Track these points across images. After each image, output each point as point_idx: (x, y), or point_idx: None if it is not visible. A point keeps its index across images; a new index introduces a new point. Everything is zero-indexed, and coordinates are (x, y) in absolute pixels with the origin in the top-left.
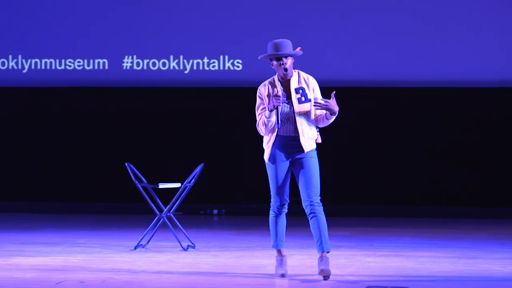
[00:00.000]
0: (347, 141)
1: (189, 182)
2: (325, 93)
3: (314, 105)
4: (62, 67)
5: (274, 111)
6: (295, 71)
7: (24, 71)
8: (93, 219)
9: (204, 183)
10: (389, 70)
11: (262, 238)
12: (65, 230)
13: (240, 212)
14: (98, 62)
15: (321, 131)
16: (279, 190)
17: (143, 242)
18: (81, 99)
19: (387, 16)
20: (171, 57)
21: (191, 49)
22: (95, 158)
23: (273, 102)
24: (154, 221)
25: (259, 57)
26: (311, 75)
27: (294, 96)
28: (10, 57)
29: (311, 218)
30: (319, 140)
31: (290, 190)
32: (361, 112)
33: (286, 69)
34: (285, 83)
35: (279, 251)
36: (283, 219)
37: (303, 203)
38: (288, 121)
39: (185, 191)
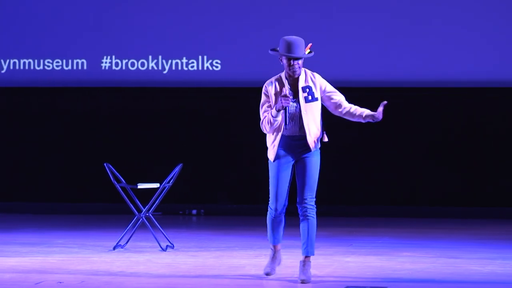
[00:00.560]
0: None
1: (168, 182)
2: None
3: (366, 117)
4: (41, 67)
5: (282, 111)
6: (302, 69)
7: (3, 71)
8: (71, 220)
9: (183, 184)
10: (376, 70)
11: (241, 238)
12: (43, 231)
13: (219, 213)
14: (77, 62)
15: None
16: (278, 193)
17: (122, 243)
18: (60, 99)
19: (381, 16)
20: (150, 57)
21: (170, 49)
22: (73, 158)
23: (281, 102)
24: (133, 222)
25: (269, 51)
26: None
27: (301, 95)
28: None
29: (302, 220)
30: (326, 139)
31: (289, 194)
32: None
33: (294, 72)
34: (293, 81)
35: (274, 247)
36: (280, 219)
37: (297, 203)
38: (293, 120)
39: (163, 191)
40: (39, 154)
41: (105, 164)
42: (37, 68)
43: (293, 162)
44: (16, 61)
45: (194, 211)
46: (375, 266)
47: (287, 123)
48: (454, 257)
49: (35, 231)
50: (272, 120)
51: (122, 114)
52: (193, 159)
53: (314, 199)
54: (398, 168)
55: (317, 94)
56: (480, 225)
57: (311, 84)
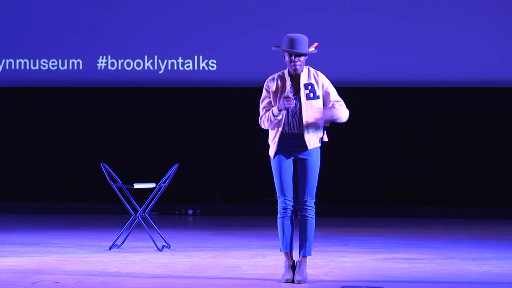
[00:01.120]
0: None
1: (164, 182)
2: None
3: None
4: (37, 67)
5: (284, 111)
6: (305, 67)
7: None
8: (68, 220)
9: (179, 184)
10: (376, 70)
11: (237, 238)
12: (40, 231)
13: (215, 213)
14: (73, 62)
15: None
16: (284, 186)
17: (118, 243)
18: (56, 99)
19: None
20: (146, 57)
21: (165, 49)
22: (69, 158)
23: (284, 104)
24: (129, 222)
25: (272, 48)
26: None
27: (303, 92)
28: None
29: (301, 220)
30: (326, 139)
31: (295, 190)
32: None
33: (296, 69)
34: (295, 78)
35: (286, 255)
36: (289, 221)
37: (297, 203)
38: (293, 117)
39: (160, 191)
40: (35, 154)
41: (101, 164)
42: (33, 68)
43: (293, 158)
44: (12, 61)
45: (190, 211)
46: (371, 266)
47: (289, 121)
48: (450, 257)
49: (32, 231)
50: (272, 119)
51: (117, 114)
52: (189, 159)
53: (314, 200)
54: (395, 168)
55: (319, 92)
56: (477, 225)
57: (313, 81)
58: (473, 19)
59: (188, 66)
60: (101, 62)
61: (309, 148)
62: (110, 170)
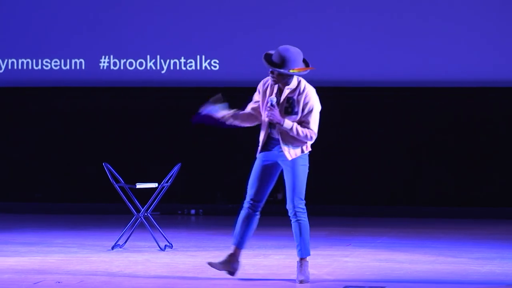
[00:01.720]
0: (324, 141)
1: (167, 182)
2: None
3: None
4: (39, 67)
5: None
6: (297, 79)
7: (1, 71)
8: (70, 219)
9: (182, 183)
10: (376, 70)
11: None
12: (42, 230)
13: (218, 212)
14: (75, 62)
15: None
16: (253, 186)
17: (120, 242)
18: (58, 99)
19: (381, 16)
20: (148, 57)
21: (168, 49)
22: (72, 158)
23: (267, 114)
24: (131, 221)
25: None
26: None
27: (283, 105)
28: None
29: (293, 223)
30: (306, 151)
31: (267, 194)
32: (337, 112)
33: (274, 82)
34: (282, 88)
35: (233, 248)
36: (245, 217)
37: (287, 206)
38: (275, 126)
39: (162, 191)
40: (37, 154)
41: (104, 164)
42: (35, 68)
43: (274, 162)
44: (14, 60)
45: (192, 211)
46: (374, 266)
47: (273, 126)
48: (452, 256)
49: (34, 231)
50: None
51: (120, 113)
52: (191, 158)
53: (303, 202)
54: (396, 167)
55: (299, 109)
56: (479, 225)
57: (296, 97)
58: (473, 19)
59: (190, 66)
60: (104, 62)
61: (289, 158)
62: (113, 170)
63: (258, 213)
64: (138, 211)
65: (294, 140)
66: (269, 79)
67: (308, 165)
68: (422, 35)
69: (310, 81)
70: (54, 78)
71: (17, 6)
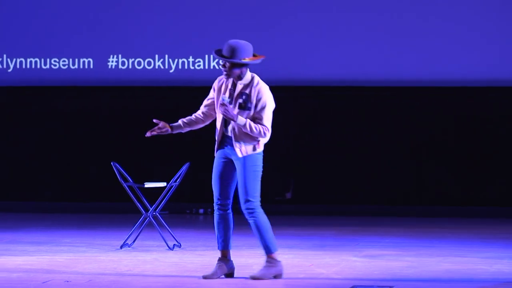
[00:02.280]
0: (331, 141)
1: (175, 181)
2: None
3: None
4: (47, 66)
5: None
6: (251, 75)
7: (9, 70)
8: (79, 219)
9: (190, 182)
10: (375, 70)
11: (248, 237)
12: (51, 230)
13: None
14: (84, 62)
15: (309, 126)
16: (216, 186)
17: (129, 242)
18: (67, 99)
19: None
20: (156, 56)
21: (176, 48)
22: (81, 157)
23: (221, 111)
24: (140, 221)
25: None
26: (279, 75)
27: (236, 100)
28: None
29: (248, 223)
30: (258, 149)
31: (232, 191)
32: (337, 112)
33: (227, 75)
34: (236, 84)
35: (221, 252)
36: (219, 219)
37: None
38: (229, 123)
39: (171, 190)
40: (46, 153)
41: (112, 163)
42: (43, 67)
43: (231, 159)
44: (23, 60)
45: (201, 210)
46: (382, 266)
47: (227, 123)
48: (461, 256)
49: (43, 230)
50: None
51: (127, 113)
52: (200, 158)
53: (254, 201)
54: (403, 167)
55: (251, 105)
56: (487, 225)
57: (249, 92)
58: (473, 19)
59: (198, 66)
60: (112, 62)
61: (239, 156)
62: (122, 169)
63: (229, 211)
64: (146, 210)
65: (246, 137)
66: (223, 77)
67: (261, 165)
68: (422, 35)
69: (311, 81)
70: (62, 77)
71: (24, 6)
